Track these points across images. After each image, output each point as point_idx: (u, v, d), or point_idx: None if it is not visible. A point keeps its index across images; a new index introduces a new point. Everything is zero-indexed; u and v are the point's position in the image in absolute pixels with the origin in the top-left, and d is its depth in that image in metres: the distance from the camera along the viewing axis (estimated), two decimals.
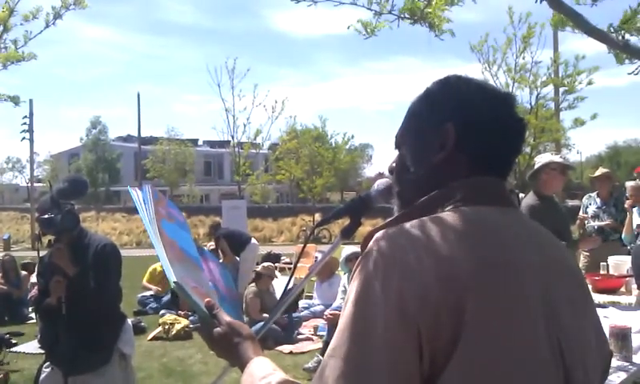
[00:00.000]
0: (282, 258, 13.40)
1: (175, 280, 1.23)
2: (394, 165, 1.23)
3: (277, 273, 10.35)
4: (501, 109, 1.14)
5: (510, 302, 0.94)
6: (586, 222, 6.69)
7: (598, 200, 6.84)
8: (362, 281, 0.94)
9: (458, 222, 0.99)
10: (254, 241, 10.05)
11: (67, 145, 56.82)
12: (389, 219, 1.09)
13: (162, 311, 8.60)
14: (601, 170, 7.22)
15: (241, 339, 1.23)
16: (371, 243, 0.98)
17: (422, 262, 0.91)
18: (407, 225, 0.99)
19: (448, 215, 1.01)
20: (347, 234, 1.43)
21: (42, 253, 3.53)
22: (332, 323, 6.07)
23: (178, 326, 7.69)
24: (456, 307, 0.88)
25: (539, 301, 0.97)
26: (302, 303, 8.91)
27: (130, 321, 3.82)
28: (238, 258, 9.56)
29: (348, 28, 4.46)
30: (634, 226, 6.10)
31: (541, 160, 4.78)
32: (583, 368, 1.01)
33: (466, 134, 1.10)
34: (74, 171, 38.95)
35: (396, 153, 1.24)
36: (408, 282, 0.90)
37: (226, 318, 1.26)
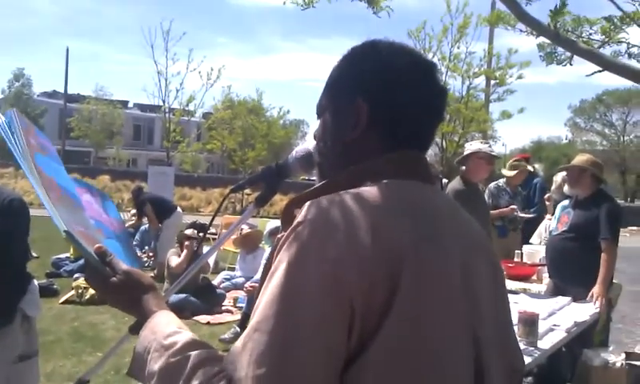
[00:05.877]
0: None
1: (65, 229, 1.09)
2: (316, 133, 1.17)
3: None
4: (419, 78, 1.07)
5: (439, 276, 0.92)
6: (515, 213, 6.86)
7: (508, 189, 6.88)
8: (294, 253, 0.87)
9: (388, 195, 0.95)
10: (179, 209, 9.89)
11: None
12: (310, 189, 1.03)
13: (77, 274, 8.26)
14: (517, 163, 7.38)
15: (140, 290, 1.12)
16: (302, 213, 0.91)
17: (357, 234, 0.87)
18: (340, 195, 0.93)
19: (378, 187, 0.96)
20: (261, 202, 1.37)
21: None
22: (251, 295, 6.03)
23: (92, 291, 7.41)
24: (391, 280, 0.85)
25: (460, 277, 0.96)
26: (223, 274, 8.81)
27: (37, 282, 3.62)
28: (160, 225, 9.39)
29: (284, 3, 4.48)
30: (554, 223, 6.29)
31: (470, 148, 4.91)
32: (494, 350, 1.02)
33: (379, 109, 1.05)
34: None
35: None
36: (343, 255, 0.85)
37: (122, 266, 1.14)
